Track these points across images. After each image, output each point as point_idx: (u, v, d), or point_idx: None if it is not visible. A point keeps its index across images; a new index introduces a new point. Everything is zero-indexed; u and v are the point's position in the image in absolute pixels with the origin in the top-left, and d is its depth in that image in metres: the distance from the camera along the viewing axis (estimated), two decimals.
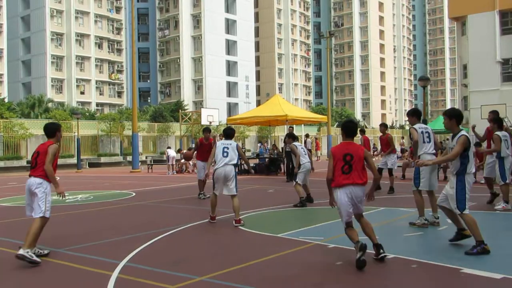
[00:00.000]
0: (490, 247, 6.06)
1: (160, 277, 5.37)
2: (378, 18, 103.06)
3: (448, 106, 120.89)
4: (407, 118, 9.53)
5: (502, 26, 43.82)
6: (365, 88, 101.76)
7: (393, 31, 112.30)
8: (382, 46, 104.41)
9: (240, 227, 8.44)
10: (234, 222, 8.41)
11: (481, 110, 35.29)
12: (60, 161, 30.95)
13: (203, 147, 12.93)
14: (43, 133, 7.01)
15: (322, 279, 5.28)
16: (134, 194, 14.71)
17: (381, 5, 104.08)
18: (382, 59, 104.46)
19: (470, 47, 45.39)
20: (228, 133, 9.20)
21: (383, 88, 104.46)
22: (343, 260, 6.00)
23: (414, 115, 8.75)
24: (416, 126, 8.53)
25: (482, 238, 6.03)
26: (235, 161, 8.58)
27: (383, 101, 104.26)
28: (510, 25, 36.77)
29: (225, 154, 8.55)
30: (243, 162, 12.17)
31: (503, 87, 41.19)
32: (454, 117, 6.62)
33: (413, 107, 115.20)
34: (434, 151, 8.50)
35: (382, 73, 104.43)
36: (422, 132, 8.55)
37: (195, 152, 13.98)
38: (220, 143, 8.80)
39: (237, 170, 8.89)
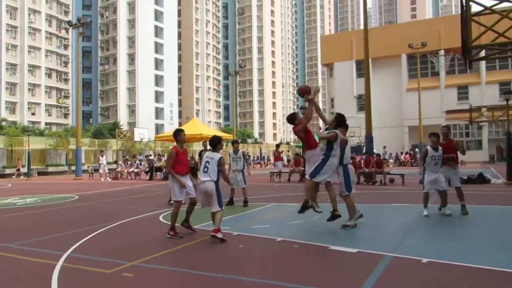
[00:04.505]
0: (365, 232, 6.45)
1: (99, 264, 5.00)
2: (271, 62, 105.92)
3: (322, 129, 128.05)
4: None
5: (357, 71, 48.06)
6: (261, 114, 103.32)
7: (282, 72, 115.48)
8: (274, 83, 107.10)
9: (165, 221, 7.62)
10: (211, 231, 6.17)
11: None
12: (11, 171, 29.84)
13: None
14: None
15: (230, 258, 5.13)
16: (77, 197, 13.52)
17: (273, 52, 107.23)
18: (274, 92, 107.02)
19: (336, 86, 49.72)
20: (211, 143, 6.49)
21: (274, 114, 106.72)
22: (244, 244, 5.91)
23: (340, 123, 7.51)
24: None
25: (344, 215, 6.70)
26: (216, 178, 6.18)
27: (274, 124, 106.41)
28: (362, 71, 37.91)
29: (205, 169, 6.24)
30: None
31: (358, 114, 45.08)
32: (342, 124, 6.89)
33: None
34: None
35: (274, 103, 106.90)
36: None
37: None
38: (205, 156, 6.44)
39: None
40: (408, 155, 37.53)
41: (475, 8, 6.95)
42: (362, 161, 17.43)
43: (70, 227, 7.70)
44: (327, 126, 7.04)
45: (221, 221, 6.26)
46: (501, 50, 7.98)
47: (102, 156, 23.67)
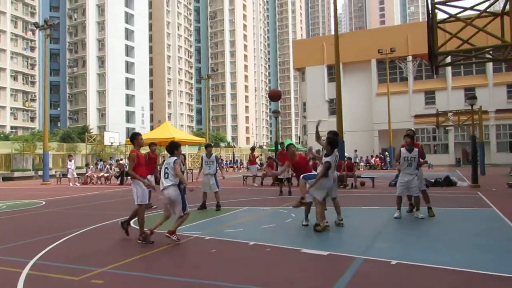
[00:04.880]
0: (332, 235, 6.62)
1: (67, 271, 4.86)
2: (243, 66, 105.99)
3: (293, 133, 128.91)
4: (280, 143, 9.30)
5: (329, 76, 48.66)
6: (234, 118, 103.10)
7: (254, 76, 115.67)
8: (246, 86, 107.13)
9: (135, 226, 7.07)
10: (167, 231, 6.26)
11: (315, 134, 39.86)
12: None
13: (148, 160, 10.47)
14: None
15: (201, 262, 5.06)
16: (44, 202, 13.05)
17: (245, 56, 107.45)
18: (246, 96, 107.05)
19: (308, 90, 50.17)
20: (169, 149, 6.46)
21: (247, 118, 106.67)
22: (216, 248, 5.88)
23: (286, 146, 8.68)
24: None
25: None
26: (175, 181, 6.23)
27: (247, 128, 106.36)
28: (333, 75, 38.26)
29: (165, 175, 6.27)
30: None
31: (330, 118, 45.55)
32: (329, 144, 7.08)
33: (271, 136, 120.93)
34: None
35: (247, 107, 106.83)
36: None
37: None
38: (165, 162, 6.44)
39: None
40: (378, 159, 38.28)
41: (440, 15, 7.18)
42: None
43: (37, 233, 7.51)
44: (324, 150, 7.37)
45: (180, 225, 6.33)
46: (466, 57, 8.27)
47: (70, 161, 22.86)
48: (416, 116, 43.73)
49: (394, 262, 4.92)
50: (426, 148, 44.76)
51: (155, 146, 11.21)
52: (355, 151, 38.20)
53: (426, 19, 7.44)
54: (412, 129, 9.26)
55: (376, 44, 40.41)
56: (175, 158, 6.35)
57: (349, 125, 40.68)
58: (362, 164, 37.39)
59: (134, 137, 6.74)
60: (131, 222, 7.06)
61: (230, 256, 5.55)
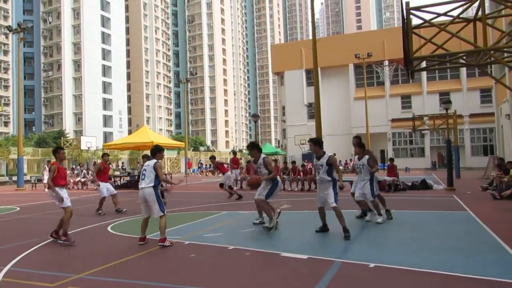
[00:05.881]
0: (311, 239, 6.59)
1: (42, 277, 4.78)
2: (222, 70, 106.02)
3: (273, 136, 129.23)
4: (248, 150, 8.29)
5: (307, 80, 49.02)
6: (213, 121, 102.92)
7: (233, 80, 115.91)
8: (225, 90, 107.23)
9: (113, 231, 7.22)
10: (158, 241, 6.36)
11: (295, 138, 39.93)
12: None
13: (104, 170, 11.58)
14: None
15: (180, 267, 5.04)
16: (18, 208, 12.88)
17: (224, 60, 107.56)
18: (226, 100, 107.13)
19: (287, 94, 50.37)
20: (152, 152, 6.77)
21: (226, 121, 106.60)
22: (195, 252, 5.85)
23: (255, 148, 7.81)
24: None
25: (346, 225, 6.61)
26: (153, 183, 6.37)
27: (227, 131, 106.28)
28: (312, 79, 39.23)
29: (142, 176, 6.47)
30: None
31: (309, 122, 45.91)
32: (318, 144, 6.95)
33: (251, 140, 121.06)
34: None
35: (226, 111, 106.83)
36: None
37: (96, 173, 11.46)
38: (145, 165, 6.66)
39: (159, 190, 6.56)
40: None
41: (415, 21, 7.33)
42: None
43: (11, 240, 7.40)
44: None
45: (165, 228, 6.39)
46: (440, 62, 8.45)
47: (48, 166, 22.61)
48: (393, 120, 44.48)
49: (372, 265, 4.97)
50: (403, 151, 45.59)
51: (108, 156, 12.19)
52: (334, 154, 38.46)
53: (401, 25, 7.57)
54: (357, 135, 9.02)
55: (353, 49, 40.94)
56: (155, 160, 6.54)
57: (328, 129, 41.04)
58: (341, 167, 37.66)
59: (55, 151, 7.25)
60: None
61: (209, 260, 5.53)
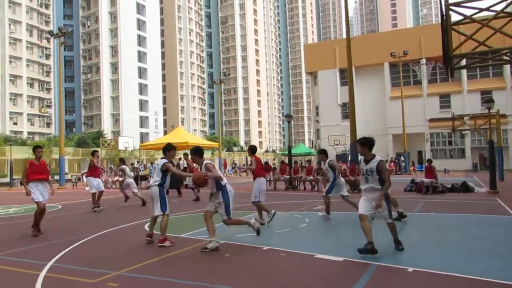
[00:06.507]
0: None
1: (83, 273, 4.92)
2: (255, 71, 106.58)
3: (306, 137, 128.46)
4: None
5: (341, 80, 48.26)
6: (247, 122, 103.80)
7: (266, 81, 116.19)
8: (258, 91, 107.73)
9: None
10: (158, 241, 6.42)
11: (329, 139, 39.49)
12: None
13: (95, 166, 12.06)
14: None
15: (215, 267, 5.08)
16: (60, 206, 13.36)
17: (257, 61, 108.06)
18: (259, 101, 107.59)
19: (320, 94, 49.85)
20: (163, 150, 6.93)
21: (260, 122, 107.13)
22: (230, 252, 5.87)
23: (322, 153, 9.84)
24: None
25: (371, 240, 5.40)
26: (158, 182, 6.48)
27: (260, 132, 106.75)
28: (346, 79, 37.39)
29: (151, 174, 6.67)
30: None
31: (343, 122, 45.30)
32: (367, 145, 5.79)
33: (284, 140, 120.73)
34: None
35: (259, 111, 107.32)
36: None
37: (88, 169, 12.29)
38: (155, 163, 6.83)
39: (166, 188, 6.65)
40: (393, 163, 37.85)
41: (455, 17, 7.08)
42: (347, 169, 17.51)
43: (54, 236, 7.62)
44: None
45: (166, 228, 6.38)
46: (482, 59, 8.15)
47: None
48: (431, 120, 43.19)
49: (410, 269, 4.82)
50: (442, 152, 44.19)
51: (97, 153, 12.72)
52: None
53: (440, 21, 7.34)
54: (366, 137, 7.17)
55: (388, 47, 40.11)
56: (164, 161, 6.62)
57: (363, 129, 40.13)
58: None
59: (34, 149, 8.18)
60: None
61: (244, 260, 5.53)
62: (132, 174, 15.80)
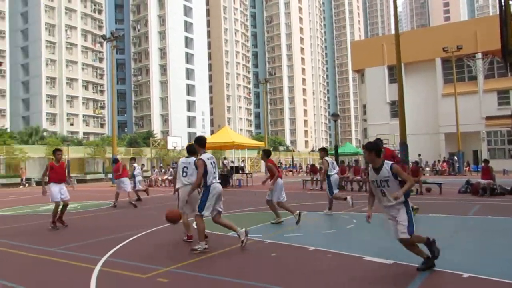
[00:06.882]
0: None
1: (135, 268, 5.08)
2: (301, 70, 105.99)
3: (353, 136, 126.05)
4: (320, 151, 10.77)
5: (389, 77, 46.89)
6: (292, 121, 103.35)
7: (312, 79, 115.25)
8: (304, 90, 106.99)
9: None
10: (187, 237, 6.69)
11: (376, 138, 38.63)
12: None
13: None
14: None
15: (262, 266, 5.07)
16: (111, 203, 13.63)
17: (303, 60, 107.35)
18: (304, 100, 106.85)
19: (368, 92, 48.71)
20: (188, 150, 6.78)
21: (305, 121, 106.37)
22: (276, 252, 5.88)
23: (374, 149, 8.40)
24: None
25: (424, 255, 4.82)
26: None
27: (306, 131, 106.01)
28: (394, 76, 37.42)
29: (184, 174, 6.47)
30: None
31: (391, 121, 44.01)
32: (374, 150, 4.72)
33: (330, 139, 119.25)
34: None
35: (305, 110, 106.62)
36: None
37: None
38: (180, 162, 6.64)
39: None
40: (445, 164, 36.30)
41: None
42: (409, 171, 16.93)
43: (108, 232, 7.95)
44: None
45: (203, 229, 6.01)
46: None
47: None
48: (488, 118, 40.96)
49: (465, 275, 4.59)
50: (500, 152, 41.79)
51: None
52: (419, 155, 36.52)
53: (497, 13, 6.94)
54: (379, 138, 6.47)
55: (440, 42, 38.45)
56: (194, 158, 6.44)
57: (413, 128, 38.93)
58: (427, 169, 35.61)
59: (54, 152, 8.97)
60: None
61: (290, 260, 5.51)
62: (140, 174, 15.55)
